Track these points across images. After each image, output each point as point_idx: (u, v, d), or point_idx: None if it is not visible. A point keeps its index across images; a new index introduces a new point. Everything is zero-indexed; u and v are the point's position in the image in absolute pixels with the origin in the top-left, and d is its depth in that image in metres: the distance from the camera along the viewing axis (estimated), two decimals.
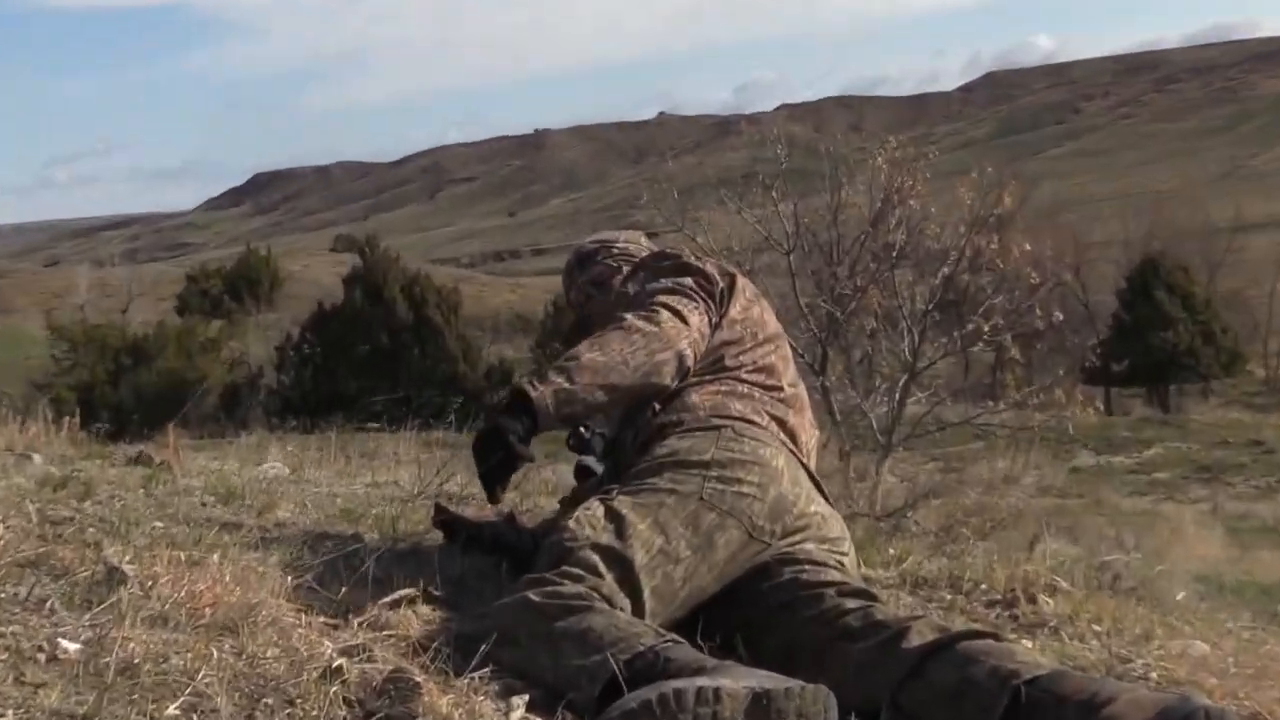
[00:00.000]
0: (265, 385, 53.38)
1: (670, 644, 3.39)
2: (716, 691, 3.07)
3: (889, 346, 21.74)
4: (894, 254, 21.38)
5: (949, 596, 4.70)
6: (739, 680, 3.15)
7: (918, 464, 20.98)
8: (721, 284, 4.60)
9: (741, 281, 4.71)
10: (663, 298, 4.42)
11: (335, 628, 3.54)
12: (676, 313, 4.34)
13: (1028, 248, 21.67)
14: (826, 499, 4.31)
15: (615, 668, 3.28)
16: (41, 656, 2.98)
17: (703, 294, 4.52)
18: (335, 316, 53.87)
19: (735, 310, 4.57)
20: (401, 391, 37.03)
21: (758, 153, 24.38)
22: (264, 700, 2.98)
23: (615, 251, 5.13)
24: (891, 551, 5.51)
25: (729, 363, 4.46)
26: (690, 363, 4.32)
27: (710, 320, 4.49)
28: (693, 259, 4.75)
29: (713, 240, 22.43)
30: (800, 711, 3.15)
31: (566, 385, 4.14)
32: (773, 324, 4.72)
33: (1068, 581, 4.96)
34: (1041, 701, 3.26)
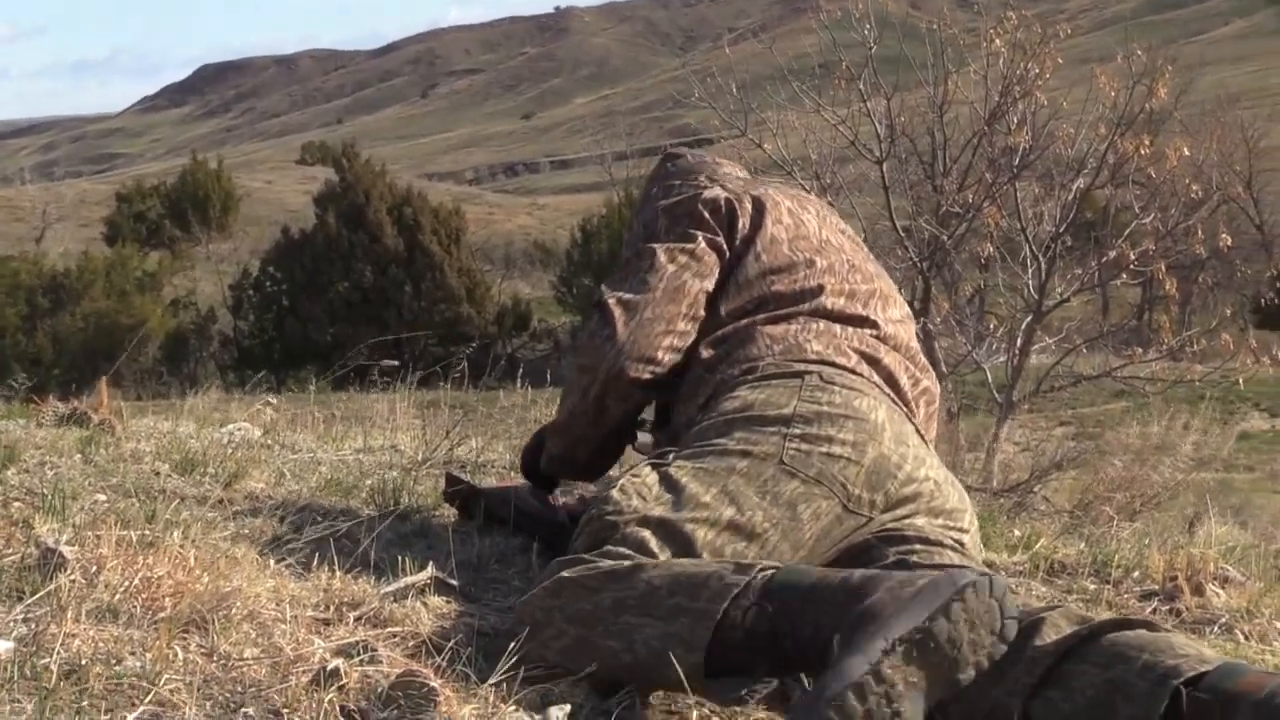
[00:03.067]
0: (218, 332, 53.65)
1: (773, 570, 3.42)
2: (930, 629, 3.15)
3: (1008, 280, 21.70)
4: (1015, 162, 21.26)
5: (1093, 586, 4.73)
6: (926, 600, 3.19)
7: (1045, 428, 21.02)
8: (723, 200, 4.65)
9: (771, 196, 4.72)
10: (606, 290, 4.56)
11: (327, 623, 3.58)
12: (606, 314, 4.45)
13: (1187, 153, 21.51)
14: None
15: (720, 614, 3.30)
16: None
17: (685, 228, 4.61)
18: (305, 246, 53.90)
19: (775, 229, 4.59)
20: (391, 338, 37.07)
21: (840, 35, 24.13)
22: (243, 710, 3.02)
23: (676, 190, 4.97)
24: (1017, 533, 5.56)
25: (783, 290, 4.47)
26: (636, 371, 4.41)
27: (719, 253, 4.56)
28: (691, 186, 4.82)
29: (785, 147, 22.37)
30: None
31: (553, 453, 4.63)
32: (846, 244, 4.73)
33: (1240, 570, 4.98)
34: (1207, 707, 3.19)
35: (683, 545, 3.68)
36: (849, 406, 4.07)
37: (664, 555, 3.64)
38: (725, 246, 4.54)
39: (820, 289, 4.46)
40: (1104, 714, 3.29)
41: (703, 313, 4.46)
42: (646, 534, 3.67)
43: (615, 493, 3.84)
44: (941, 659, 3.17)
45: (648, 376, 4.38)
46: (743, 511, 3.78)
